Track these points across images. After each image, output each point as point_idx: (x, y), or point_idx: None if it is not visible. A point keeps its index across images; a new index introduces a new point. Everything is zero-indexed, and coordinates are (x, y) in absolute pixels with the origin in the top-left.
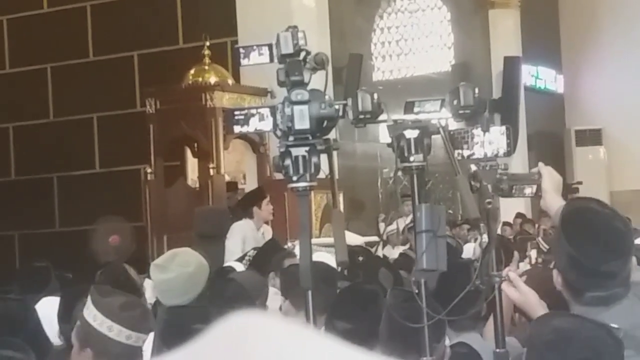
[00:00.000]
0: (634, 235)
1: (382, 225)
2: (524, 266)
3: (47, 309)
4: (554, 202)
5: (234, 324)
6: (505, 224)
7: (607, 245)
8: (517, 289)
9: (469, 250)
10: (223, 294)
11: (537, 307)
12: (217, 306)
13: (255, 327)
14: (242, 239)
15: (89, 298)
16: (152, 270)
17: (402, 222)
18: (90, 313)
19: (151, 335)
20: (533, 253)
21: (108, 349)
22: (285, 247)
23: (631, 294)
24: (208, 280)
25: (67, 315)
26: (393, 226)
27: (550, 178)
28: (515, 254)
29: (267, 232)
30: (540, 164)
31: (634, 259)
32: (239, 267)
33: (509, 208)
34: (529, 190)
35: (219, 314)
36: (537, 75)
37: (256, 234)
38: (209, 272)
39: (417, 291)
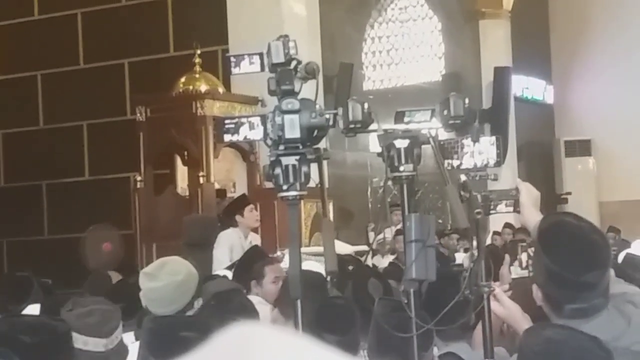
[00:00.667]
0: (621, 246)
1: (371, 235)
2: (515, 269)
3: None
4: (531, 216)
5: (235, 334)
6: (495, 233)
7: (585, 257)
8: (501, 303)
9: (459, 260)
10: (228, 301)
11: (521, 321)
12: (225, 316)
13: (256, 337)
14: (230, 247)
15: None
16: (141, 278)
17: (390, 232)
18: None
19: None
20: (524, 256)
21: (71, 358)
22: (276, 255)
23: (610, 305)
24: (226, 290)
25: None
26: (382, 235)
27: (528, 193)
28: (507, 257)
29: (255, 240)
30: (518, 179)
31: (611, 271)
32: (229, 276)
33: (498, 218)
34: (505, 206)
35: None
36: (527, 86)
37: (243, 242)
38: (197, 280)
39: (406, 301)
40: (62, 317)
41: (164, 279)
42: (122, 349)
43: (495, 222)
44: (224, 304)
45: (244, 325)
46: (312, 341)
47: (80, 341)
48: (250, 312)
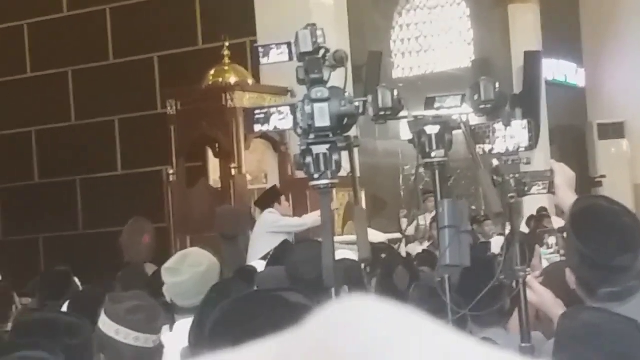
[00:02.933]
0: None
1: (404, 222)
2: (543, 252)
3: None
4: (567, 197)
5: (344, 307)
6: (531, 218)
7: (617, 240)
8: (532, 290)
9: (493, 246)
10: (228, 293)
11: (553, 306)
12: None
13: (366, 309)
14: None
15: (103, 307)
16: (163, 273)
17: (423, 219)
18: (101, 320)
19: (171, 335)
20: (551, 240)
21: (118, 352)
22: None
23: None
24: (227, 280)
25: None
26: (415, 222)
27: (562, 174)
28: (537, 247)
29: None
30: (552, 160)
31: None
32: (261, 266)
33: (533, 202)
34: (539, 187)
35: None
36: (558, 69)
37: None
38: (219, 270)
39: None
40: (108, 312)
41: (188, 272)
42: (161, 343)
43: (530, 206)
44: (225, 295)
45: (352, 299)
46: (424, 316)
47: (132, 337)
48: (281, 295)
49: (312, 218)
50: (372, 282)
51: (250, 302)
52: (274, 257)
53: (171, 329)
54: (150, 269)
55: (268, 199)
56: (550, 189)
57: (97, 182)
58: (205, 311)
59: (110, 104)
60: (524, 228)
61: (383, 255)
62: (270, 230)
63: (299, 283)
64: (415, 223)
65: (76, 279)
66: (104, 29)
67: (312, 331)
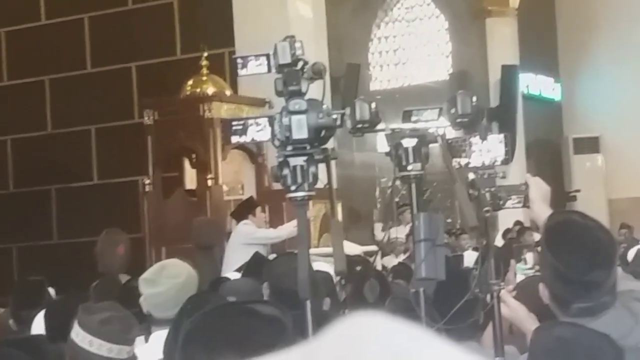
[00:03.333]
0: (631, 243)
1: (377, 226)
2: (520, 267)
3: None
4: (541, 212)
5: (351, 324)
6: (507, 230)
7: (591, 255)
8: (506, 304)
9: (467, 259)
10: (205, 304)
11: (526, 321)
12: None
13: (371, 326)
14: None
15: (75, 318)
16: (141, 284)
17: (399, 231)
18: (74, 331)
19: (147, 346)
20: (529, 256)
21: None
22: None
23: (618, 303)
24: (203, 292)
25: (53, 333)
26: (393, 235)
27: (537, 188)
28: (512, 262)
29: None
30: (527, 174)
31: (619, 269)
32: (236, 278)
33: (508, 215)
34: (514, 201)
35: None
36: (534, 83)
37: None
38: (197, 281)
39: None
40: (81, 323)
41: (166, 283)
42: (134, 355)
43: (506, 220)
44: (200, 307)
45: (361, 315)
46: (430, 333)
47: (105, 348)
48: (253, 308)
49: (287, 229)
50: (344, 294)
51: (222, 314)
52: (248, 269)
53: (147, 340)
54: (124, 279)
55: (244, 210)
56: (525, 203)
57: (72, 192)
58: (180, 323)
59: (87, 113)
60: (499, 241)
61: (358, 268)
62: (245, 242)
63: (280, 295)
64: (393, 234)
65: (51, 289)
66: (82, 38)
67: (331, 345)
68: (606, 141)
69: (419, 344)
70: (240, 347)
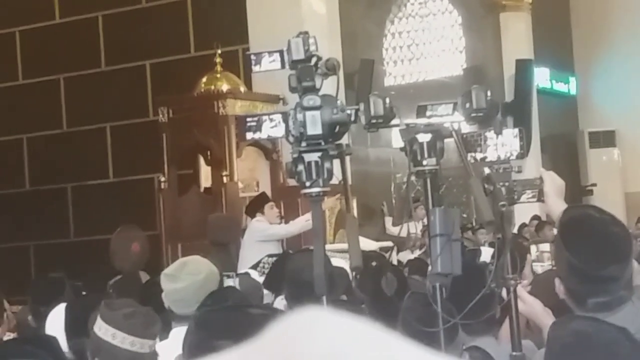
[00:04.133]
0: None
1: (388, 224)
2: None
3: (60, 318)
4: (556, 206)
5: (298, 319)
6: (523, 225)
7: (606, 250)
8: (521, 299)
9: (484, 255)
10: (224, 300)
11: (542, 316)
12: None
13: (319, 320)
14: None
15: (98, 314)
16: (162, 280)
17: (414, 227)
18: (97, 325)
19: (167, 342)
20: (546, 254)
21: (114, 357)
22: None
23: (635, 297)
24: (221, 288)
25: (74, 328)
26: (406, 229)
27: (551, 182)
28: (528, 256)
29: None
30: (542, 169)
31: (635, 263)
32: (254, 274)
33: (525, 210)
34: (528, 195)
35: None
36: (549, 78)
37: None
38: (219, 279)
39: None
40: (104, 316)
41: (186, 280)
42: (155, 351)
43: (523, 214)
44: (220, 303)
45: (307, 310)
46: (377, 326)
47: (128, 342)
48: (246, 310)
49: (299, 224)
50: (363, 290)
51: (219, 316)
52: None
53: (167, 336)
54: (143, 276)
55: (257, 205)
56: (540, 197)
57: (88, 190)
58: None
59: (102, 111)
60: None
61: (373, 263)
62: (258, 238)
63: (296, 291)
64: (403, 228)
65: (78, 284)
66: (96, 36)
67: (272, 340)
68: (622, 135)
69: (362, 341)
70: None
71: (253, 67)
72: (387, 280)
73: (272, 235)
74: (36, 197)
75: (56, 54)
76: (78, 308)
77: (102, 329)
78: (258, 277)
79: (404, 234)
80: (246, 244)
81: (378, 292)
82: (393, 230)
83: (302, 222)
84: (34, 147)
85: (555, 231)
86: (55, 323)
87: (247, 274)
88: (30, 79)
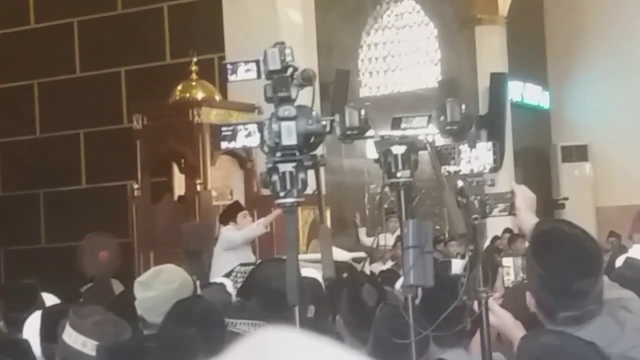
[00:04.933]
0: (619, 251)
1: (362, 234)
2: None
3: (37, 325)
4: (527, 219)
5: (256, 338)
6: (495, 237)
7: (577, 264)
8: (492, 312)
9: (455, 267)
10: (192, 311)
11: (513, 328)
12: (187, 323)
13: (275, 340)
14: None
15: (67, 322)
16: (135, 287)
17: (384, 239)
18: (67, 333)
19: None
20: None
21: None
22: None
23: (604, 311)
24: (188, 297)
25: (49, 334)
26: (382, 242)
27: (523, 196)
28: (500, 269)
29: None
30: (513, 183)
31: (605, 278)
32: (228, 283)
33: (498, 223)
34: (500, 208)
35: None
36: (523, 91)
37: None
38: (193, 288)
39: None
40: (74, 325)
41: (159, 288)
42: None
43: (495, 227)
44: (186, 312)
45: (268, 330)
46: (333, 343)
47: None
48: (213, 319)
49: (253, 229)
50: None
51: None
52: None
53: None
54: (116, 284)
55: (230, 213)
56: (511, 211)
57: (61, 196)
58: (167, 326)
59: (76, 117)
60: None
61: (344, 275)
62: (225, 247)
63: (267, 300)
64: (377, 240)
65: (49, 295)
66: (71, 42)
67: (237, 358)
68: (594, 149)
69: (321, 354)
70: None
71: (229, 76)
72: (367, 291)
73: (231, 242)
74: (8, 202)
75: (30, 59)
76: (54, 315)
77: (72, 337)
78: (231, 286)
79: (376, 244)
80: (216, 253)
81: (358, 302)
82: (366, 241)
83: (254, 227)
84: (7, 152)
85: (527, 244)
86: (33, 329)
87: (221, 284)
88: (3, 84)
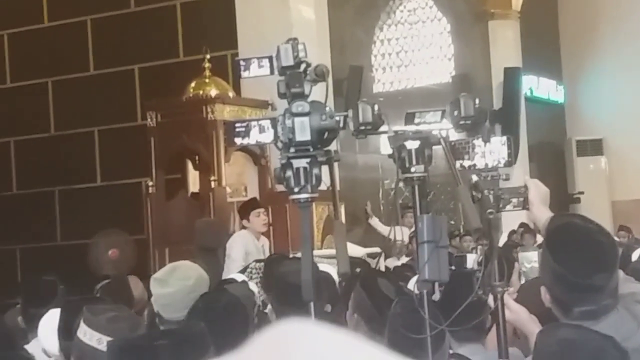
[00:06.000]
0: (634, 245)
1: (375, 222)
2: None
3: (53, 322)
4: (540, 214)
5: (279, 331)
6: (512, 232)
7: (592, 259)
8: (507, 307)
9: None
10: (218, 304)
11: (528, 323)
12: (213, 317)
13: (299, 333)
14: (244, 246)
15: (81, 319)
16: (151, 284)
17: (400, 234)
18: (81, 330)
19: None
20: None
21: None
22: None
23: (620, 306)
24: (213, 290)
25: (67, 331)
26: (398, 236)
27: (536, 190)
28: (516, 264)
29: (265, 244)
30: (526, 177)
31: (620, 272)
32: (241, 279)
33: (513, 218)
34: (514, 203)
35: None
36: (537, 86)
37: (256, 243)
38: (209, 284)
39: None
40: (88, 321)
41: (175, 285)
42: None
43: (511, 222)
44: (212, 305)
45: (290, 323)
46: (359, 338)
47: None
48: (238, 311)
49: (233, 268)
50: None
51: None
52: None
53: None
54: (134, 281)
55: (245, 209)
56: (525, 205)
57: (75, 193)
58: (191, 321)
59: (90, 115)
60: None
61: (358, 270)
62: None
63: (284, 296)
64: (394, 232)
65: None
66: (85, 40)
67: (255, 352)
68: (609, 143)
69: (344, 353)
70: None
71: (242, 73)
72: (384, 285)
73: (228, 255)
74: (23, 200)
75: (45, 57)
76: (73, 311)
77: (87, 335)
78: (253, 284)
79: (392, 236)
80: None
81: (375, 293)
82: (382, 229)
83: (237, 263)
84: (21, 150)
85: (539, 239)
86: (49, 326)
87: (244, 281)
88: (18, 82)
